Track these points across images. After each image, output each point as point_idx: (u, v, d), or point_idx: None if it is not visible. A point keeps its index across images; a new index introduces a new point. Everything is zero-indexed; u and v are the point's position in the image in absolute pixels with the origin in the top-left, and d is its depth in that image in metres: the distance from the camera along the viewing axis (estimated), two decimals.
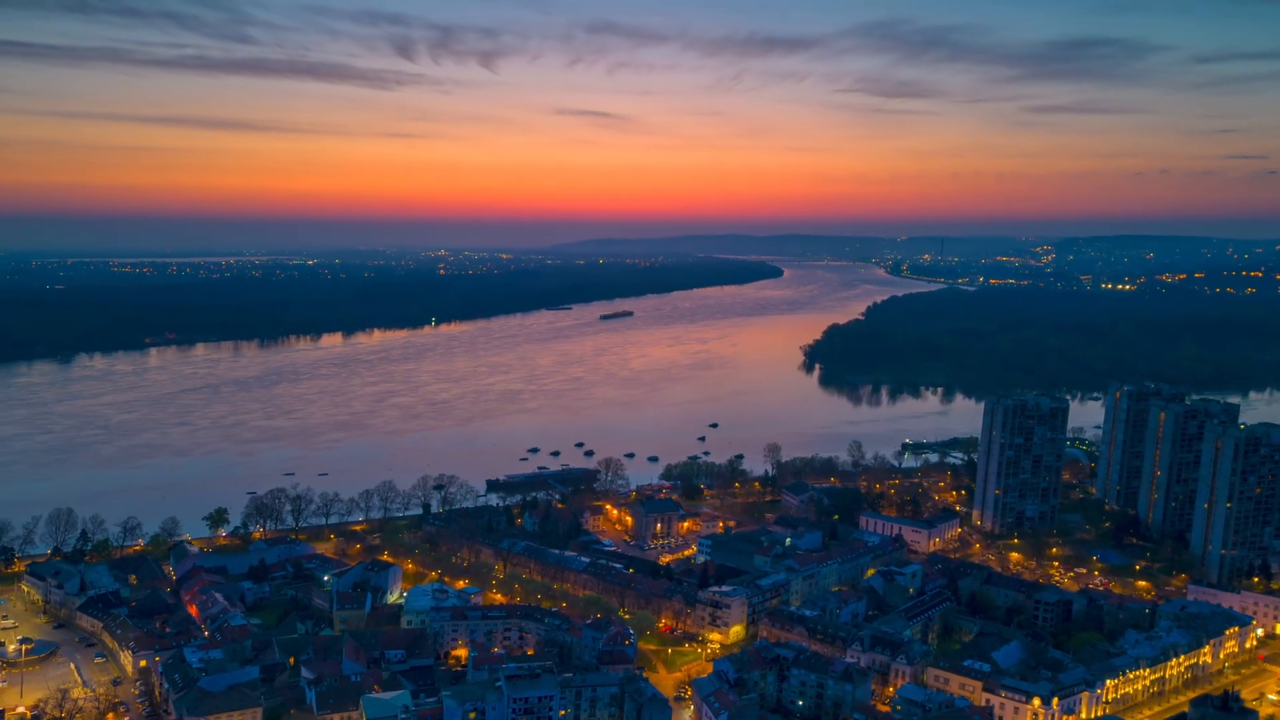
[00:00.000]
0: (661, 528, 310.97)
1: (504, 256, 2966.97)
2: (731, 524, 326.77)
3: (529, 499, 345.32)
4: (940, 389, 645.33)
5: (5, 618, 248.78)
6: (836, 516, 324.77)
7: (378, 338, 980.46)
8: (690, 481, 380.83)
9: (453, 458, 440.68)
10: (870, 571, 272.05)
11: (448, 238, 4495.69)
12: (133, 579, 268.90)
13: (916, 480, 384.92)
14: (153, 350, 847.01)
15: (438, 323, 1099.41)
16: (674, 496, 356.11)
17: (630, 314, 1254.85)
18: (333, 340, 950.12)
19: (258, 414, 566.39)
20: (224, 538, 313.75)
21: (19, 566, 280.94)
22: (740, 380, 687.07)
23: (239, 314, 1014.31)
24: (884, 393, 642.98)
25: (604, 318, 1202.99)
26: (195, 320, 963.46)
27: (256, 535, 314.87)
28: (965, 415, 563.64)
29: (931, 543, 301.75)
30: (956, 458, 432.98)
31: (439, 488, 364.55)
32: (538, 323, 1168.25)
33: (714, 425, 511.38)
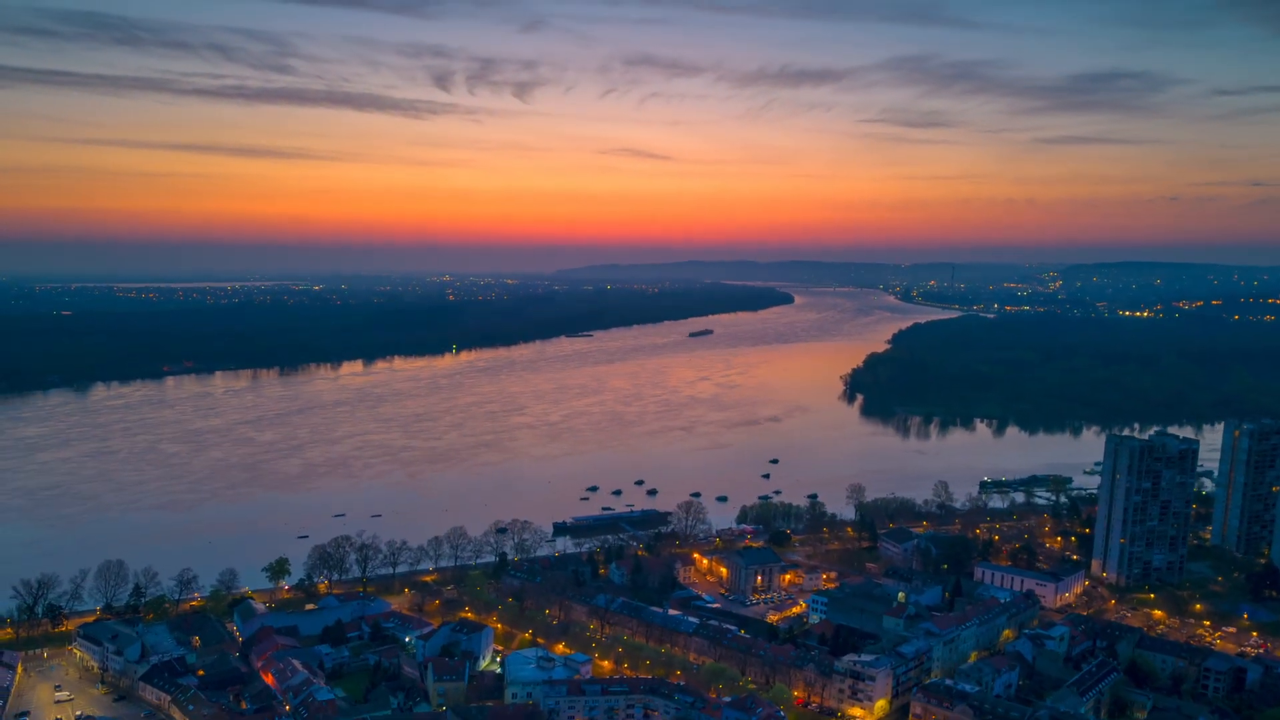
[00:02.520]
0: (762, 580, 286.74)
1: (510, 282, 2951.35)
2: (830, 575, 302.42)
3: (609, 546, 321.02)
4: (994, 421, 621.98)
5: (59, 688, 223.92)
6: (945, 566, 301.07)
7: (399, 365, 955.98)
8: (770, 525, 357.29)
9: (508, 496, 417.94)
10: (1007, 633, 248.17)
11: (452, 263, 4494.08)
12: (196, 641, 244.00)
13: (1012, 523, 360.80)
14: (169, 379, 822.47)
15: (458, 350, 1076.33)
16: (762, 543, 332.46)
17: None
18: (353, 368, 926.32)
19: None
20: (287, 591, 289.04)
21: (68, 626, 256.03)
22: (792, 412, 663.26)
23: (254, 341, 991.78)
24: (934, 425, 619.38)
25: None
26: (210, 348, 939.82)
27: (322, 588, 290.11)
28: (1028, 449, 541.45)
29: (1059, 598, 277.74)
30: (1043, 498, 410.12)
31: (502, 531, 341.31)
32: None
33: (774, 461, 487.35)
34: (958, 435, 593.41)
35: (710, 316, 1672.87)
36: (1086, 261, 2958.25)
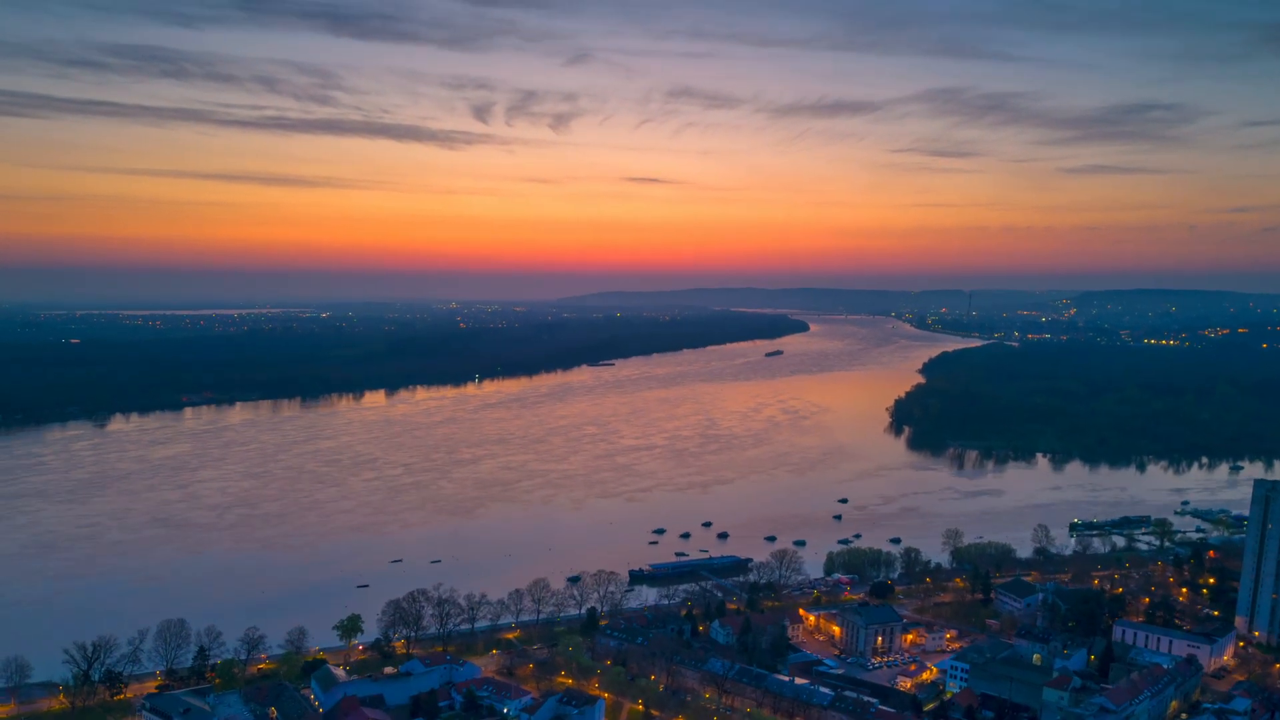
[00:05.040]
0: (882, 641, 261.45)
1: (518, 309, 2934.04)
2: (951, 634, 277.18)
3: (709, 601, 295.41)
4: (1058, 456, 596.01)
5: None
6: (1072, 624, 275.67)
7: (430, 395, 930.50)
8: (863, 573, 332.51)
9: (572, 539, 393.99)
10: (1174, 705, 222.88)
11: (455, 289, 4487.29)
12: (272, 712, 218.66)
13: (1124, 571, 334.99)
14: (188, 410, 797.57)
15: (481, 380, 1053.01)
16: (861, 596, 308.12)
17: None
18: (376, 398, 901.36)
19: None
20: (362, 650, 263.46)
21: (128, 694, 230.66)
22: (847, 446, 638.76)
23: (270, 370, 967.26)
24: (991, 460, 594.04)
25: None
26: (226, 377, 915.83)
27: (399, 647, 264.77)
28: (1099, 486, 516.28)
29: (1212, 662, 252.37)
30: (1145, 542, 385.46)
31: (574, 580, 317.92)
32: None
33: (844, 500, 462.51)
34: (1022, 471, 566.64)
35: (728, 345, 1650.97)
36: (1099, 289, 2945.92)
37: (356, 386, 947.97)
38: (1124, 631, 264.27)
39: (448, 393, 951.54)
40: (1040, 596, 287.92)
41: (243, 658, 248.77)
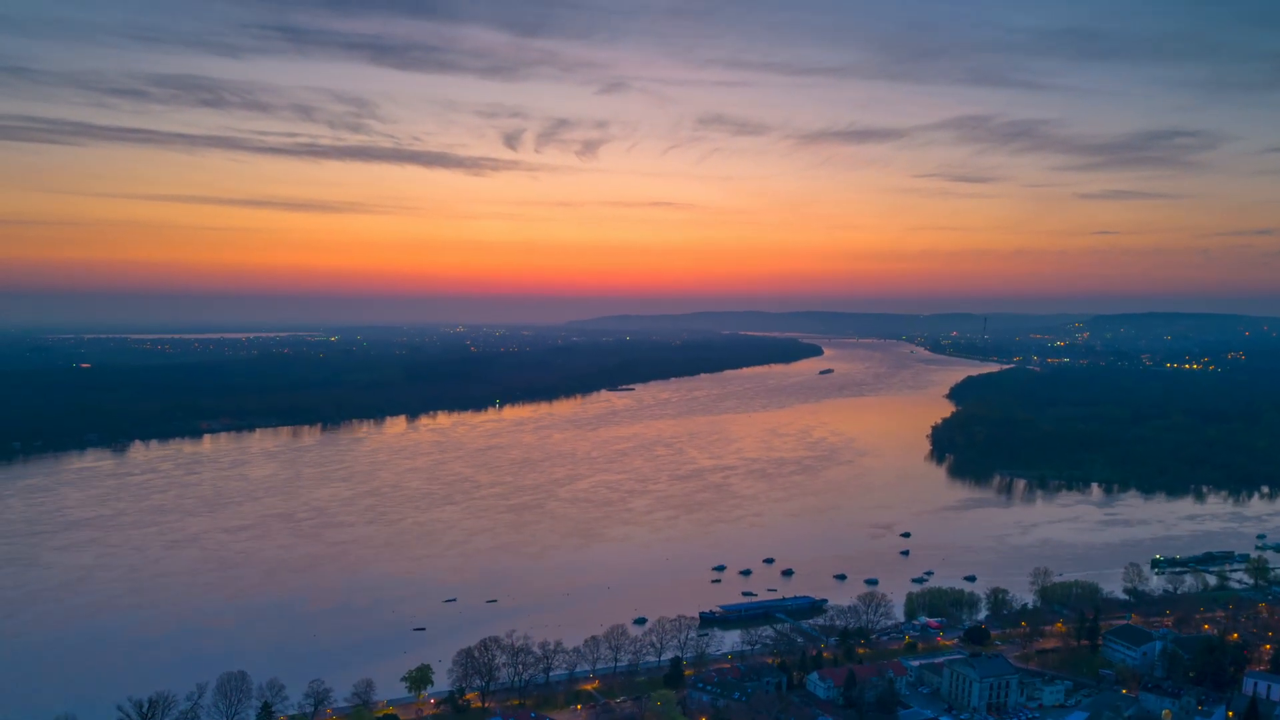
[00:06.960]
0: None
1: (525, 333, 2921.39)
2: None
3: (800, 649, 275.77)
4: (1112, 485, 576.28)
5: None
6: (1191, 674, 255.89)
7: (476, 419, 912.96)
8: (951, 616, 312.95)
9: (630, 576, 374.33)
10: None
11: (460, 313, 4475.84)
12: None
13: (1227, 614, 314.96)
14: (207, 437, 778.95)
15: (501, 405, 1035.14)
16: (954, 641, 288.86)
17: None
18: (397, 424, 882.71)
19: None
20: (434, 705, 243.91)
21: None
22: (899, 475, 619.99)
23: (288, 395, 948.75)
24: (1040, 490, 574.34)
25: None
26: (245, 403, 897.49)
27: (472, 700, 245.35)
28: (1159, 518, 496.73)
29: None
30: (1238, 580, 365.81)
31: (640, 621, 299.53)
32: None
33: (907, 534, 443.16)
34: (1079, 502, 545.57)
35: (745, 369, 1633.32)
36: (1109, 312, 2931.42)
37: (378, 412, 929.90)
38: (1255, 684, 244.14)
39: (492, 416, 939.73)
40: (1159, 645, 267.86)
41: (308, 712, 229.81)
